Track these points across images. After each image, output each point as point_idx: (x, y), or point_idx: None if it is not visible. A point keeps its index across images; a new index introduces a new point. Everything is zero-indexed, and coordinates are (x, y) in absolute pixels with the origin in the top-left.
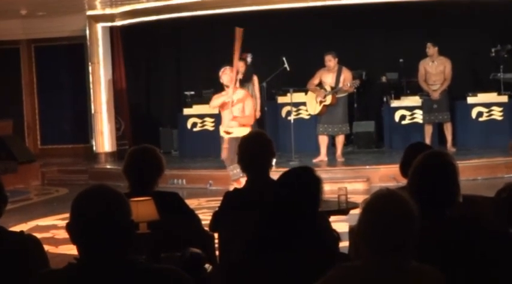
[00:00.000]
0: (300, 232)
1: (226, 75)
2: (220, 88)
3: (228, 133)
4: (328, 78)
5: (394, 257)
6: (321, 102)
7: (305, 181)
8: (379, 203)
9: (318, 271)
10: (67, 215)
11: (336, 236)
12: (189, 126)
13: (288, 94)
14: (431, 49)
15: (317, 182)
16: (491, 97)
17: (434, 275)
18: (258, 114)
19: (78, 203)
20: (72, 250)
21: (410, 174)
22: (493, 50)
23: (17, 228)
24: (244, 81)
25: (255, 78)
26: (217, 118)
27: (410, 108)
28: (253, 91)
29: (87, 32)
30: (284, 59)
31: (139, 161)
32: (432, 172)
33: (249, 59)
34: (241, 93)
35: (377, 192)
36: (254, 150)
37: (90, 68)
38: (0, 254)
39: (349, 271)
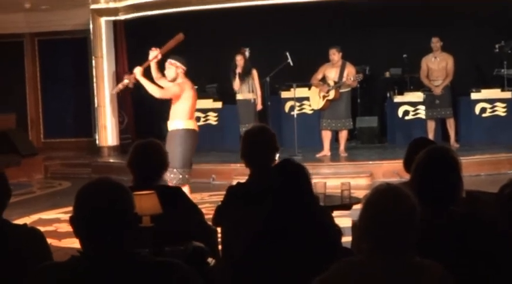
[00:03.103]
0: (302, 226)
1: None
2: (223, 82)
3: None
4: (331, 73)
5: (396, 252)
6: (324, 96)
7: (287, 171)
8: (379, 198)
9: (320, 266)
10: (70, 208)
11: (339, 231)
12: None
13: (292, 89)
14: (437, 44)
15: (298, 168)
16: (495, 93)
17: (437, 271)
18: (260, 106)
19: (82, 195)
20: (75, 243)
21: (413, 169)
22: (496, 45)
23: (20, 221)
24: (244, 75)
25: (255, 72)
26: (220, 113)
27: (413, 104)
28: (253, 85)
29: (91, 25)
30: (287, 53)
31: (144, 155)
32: (435, 168)
33: (247, 53)
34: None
35: (377, 187)
36: (257, 145)
37: (93, 62)
38: (4, 247)
39: (351, 265)
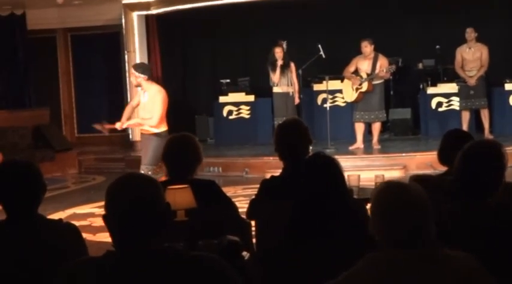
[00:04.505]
0: (336, 219)
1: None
2: (255, 76)
3: None
4: (364, 65)
5: (412, 246)
6: (357, 89)
7: (317, 164)
8: (382, 197)
9: (355, 258)
10: (104, 203)
11: None
12: (224, 113)
13: (324, 82)
14: (472, 34)
15: (328, 161)
16: None
17: (468, 262)
18: (297, 100)
19: (111, 192)
20: (109, 237)
21: (459, 160)
22: None
23: (54, 216)
24: (284, 67)
25: (292, 65)
26: (253, 106)
27: (447, 95)
28: (291, 78)
29: (123, 20)
30: (320, 46)
31: (178, 149)
32: (484, 161)
33: (284, 46)
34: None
35: (378, 186)
36: (291, 138)
37: (126, 56)
38: (40, 242)
39: (378, 261)
